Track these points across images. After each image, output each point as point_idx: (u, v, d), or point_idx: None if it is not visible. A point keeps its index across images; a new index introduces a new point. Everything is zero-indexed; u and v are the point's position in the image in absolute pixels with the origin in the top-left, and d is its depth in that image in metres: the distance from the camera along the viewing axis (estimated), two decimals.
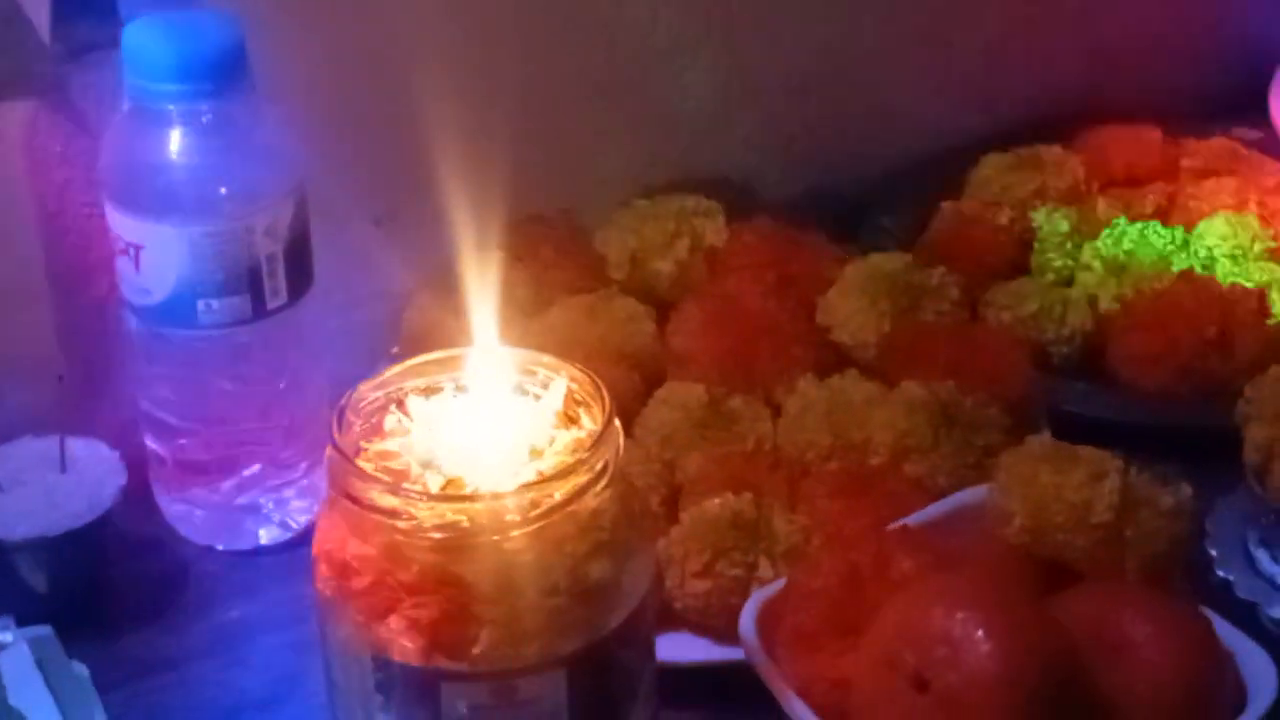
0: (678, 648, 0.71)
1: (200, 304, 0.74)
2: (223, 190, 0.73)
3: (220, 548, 0.79)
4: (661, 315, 0.86)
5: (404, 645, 0.56)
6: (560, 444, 0.58)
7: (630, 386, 0.82)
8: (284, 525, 0.79)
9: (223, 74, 0.72)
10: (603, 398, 0.58)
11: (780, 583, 0.68)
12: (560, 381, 0.60)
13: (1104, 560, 0.66)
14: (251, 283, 0.74)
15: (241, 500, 0.78)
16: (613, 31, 0.92)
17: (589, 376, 0.59)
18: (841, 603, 0.65)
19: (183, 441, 0.77)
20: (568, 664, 0.57)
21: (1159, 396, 0.84)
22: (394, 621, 0.56)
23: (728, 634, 0.69)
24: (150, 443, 0.79)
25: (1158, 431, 0.80)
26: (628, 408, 0.80)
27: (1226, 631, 0.65)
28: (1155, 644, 0.63)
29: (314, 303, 0.77)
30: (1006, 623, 0.60)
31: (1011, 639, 0.59)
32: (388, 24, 0.82)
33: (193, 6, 0.74)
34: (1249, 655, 0.65)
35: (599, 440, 0.57)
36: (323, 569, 0.58)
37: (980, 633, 0.59)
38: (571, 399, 0.59)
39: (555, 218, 0.90)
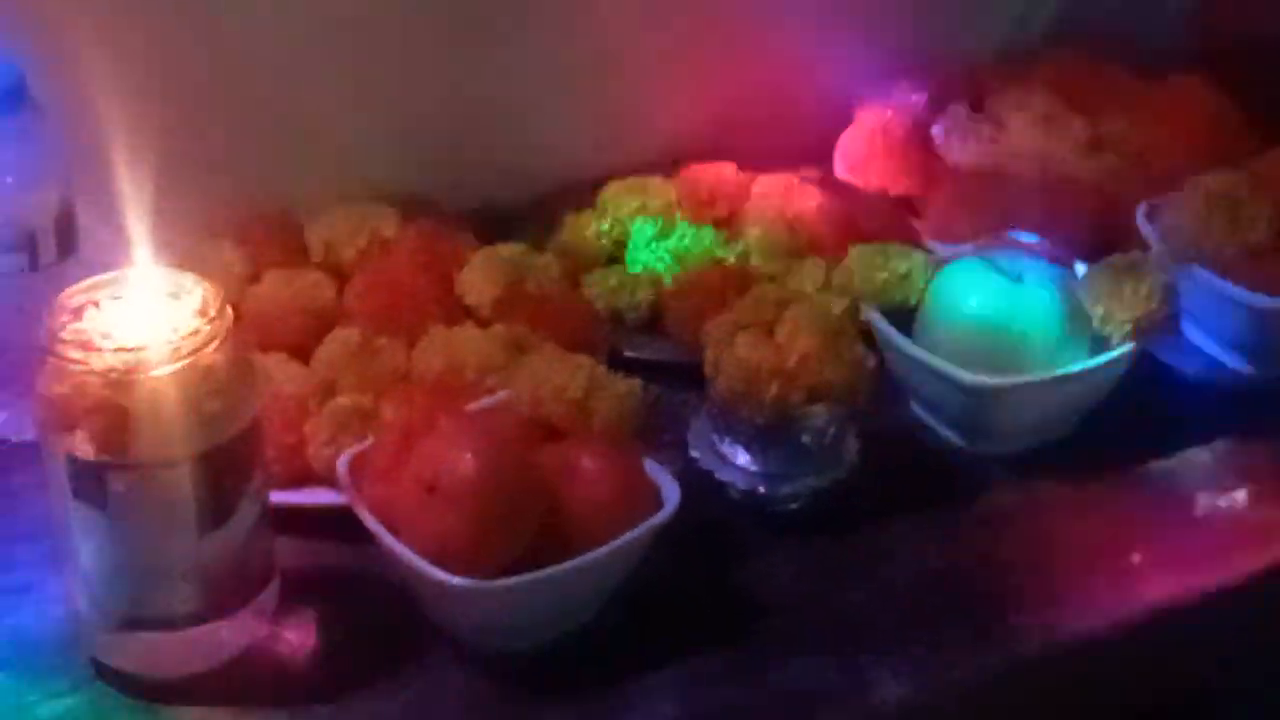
0: (313, 496, 1.04)
1: None
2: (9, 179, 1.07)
3: None
4: (344, 285, 1.20)
5: (85, 447, 0.89)
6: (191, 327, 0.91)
7: (312, 331, 1.15)
8: None
9: (7, 97, 1.05)
10: (221, 303, 0.91)
11: (369, 441, 1.01)
12: (198, 290, 0.93)
13: (575, 423, 1.00)
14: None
15: None
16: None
17: (214, 288, 0.92)
18: (399, 447, 0.97)
19: None
20: (192, 461, 0.89)
21: (691, 345, 1.18)
22: (78, 433, 0.89)
23: None
24: None
25: (688, 367, 1.14)
26: (309, 346, 1.14)
27: (654, 469, 0.99)
28: (598, 470, 0.96)
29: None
30: (484, 446, 0.93)
31: (485, 455, 0.92)
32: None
33: None
34: (669, 485, 0.98)
35: (211, 321, 0.90)
36: (38, 405, 0.91)
37: (467, 452, 0.92)
38: (205, 303, 0.92)
39: (276, 214, 1.24)
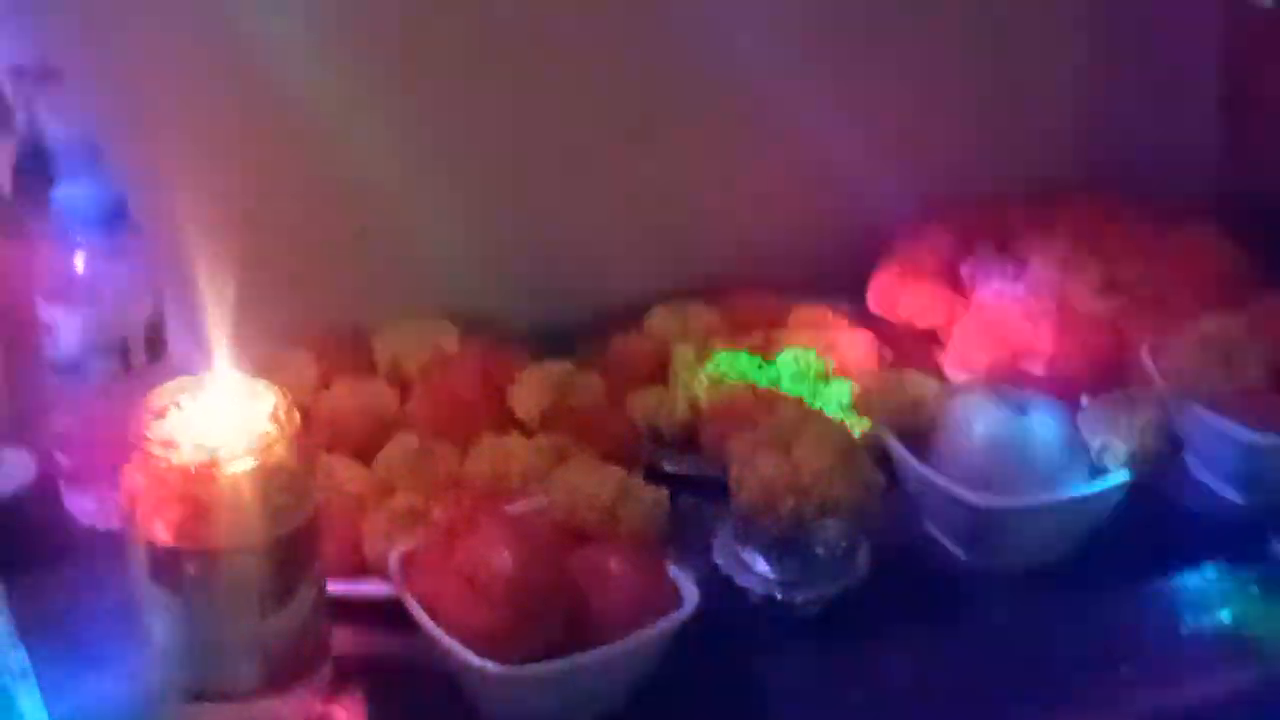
0: (366, 587, 1.14)
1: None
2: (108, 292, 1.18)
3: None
4: (407, 395, 1.31)
5: (164, 535, 0.99)
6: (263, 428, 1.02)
7: (375, 435, 1.26)
8: None
9: (111, 219, 1.17)
10: (290, 407, 1.02)
11: (419, 538, 1.11)
12: (270, 395, 1.04)
13: (604, 528, 1.09)
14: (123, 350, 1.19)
15: None
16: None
17: (284, 393, 1.03)
18: (444, 544, 1.07)
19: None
20: (259, 549, 1.00)
21: (724, 462, 1.27)
22: (158, 522, 0.99)
23: None
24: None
25: (721, 482, 1.23)
26: (371, 449, 1.24)
27: (676, 573, 1.08)
28: (624, 572, 1.05)
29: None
30: (520, 545, 1.03)
31: (521, 554, 1.02)
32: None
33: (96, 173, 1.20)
34: (688, 588, 1.08)
35: (281, 423, 1.00)
36: (124, 496, 1.01)
37: (505, 550, 1.02)
38: (276, 407, 1.03)
39: (347, 328, 1.36)
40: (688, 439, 1.32)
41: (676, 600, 1.06)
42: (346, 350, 1.34)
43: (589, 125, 1.40)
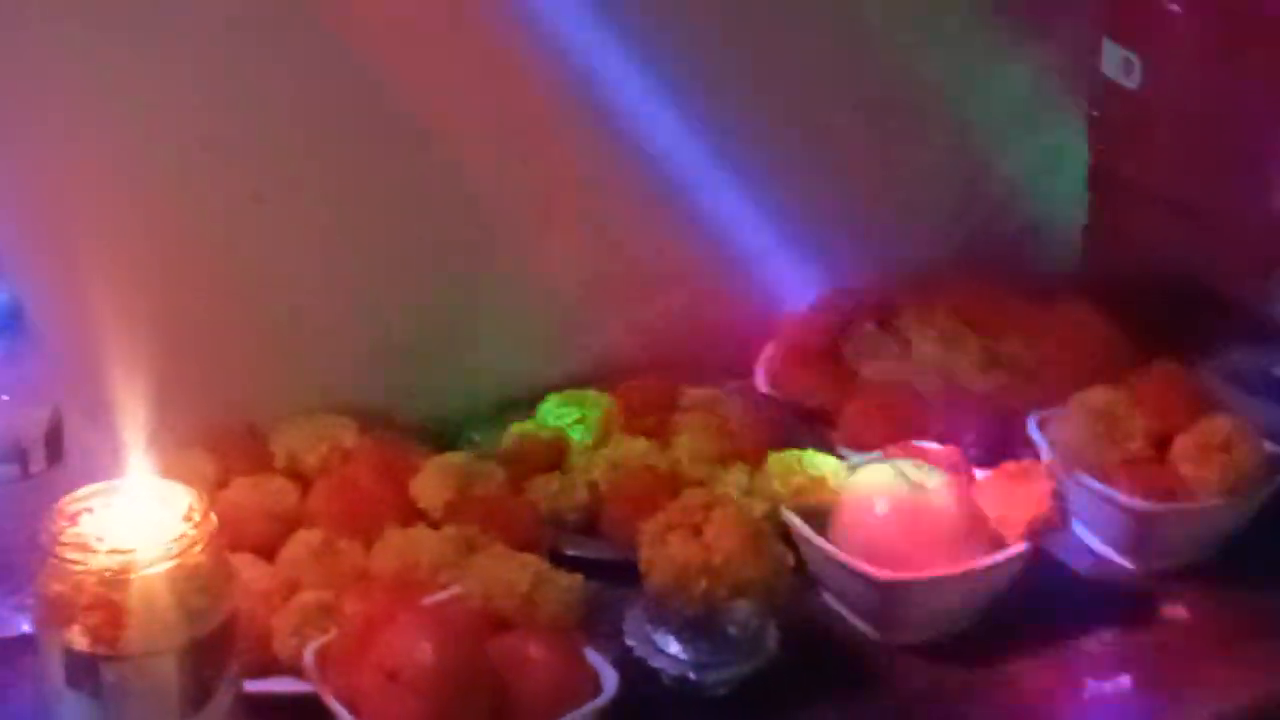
0: (281, 684, 1.13)
1: None
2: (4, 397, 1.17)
3: None
4: (307, 491, 1.31)
5: (80, 640, 0.98)
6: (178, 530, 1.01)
7: (276, 533, 1.25)
8: None
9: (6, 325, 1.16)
10: (204, 509, 1.02)
11: (333, 633, 1.11)
12: (184, 497, 1.03)
13: (523, 615, 1.10)
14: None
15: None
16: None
17: (199, 496, 1.03)
18: (361, 638, 1.07)
19: None
20: (177, 651, 0.99)
21: (626, 544, 1.28)
22: (74, 627, 0.98)
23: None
24: None
25: (623, 565, 1.24)
26: (274, 547, 1.24)
27: (594, 658, 1.09)
28: (544, 658, 1.06)
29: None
30: (440, 636, 1.03)
31: (442, 645, 1.02)
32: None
33: None
34: (607, 672, 1.09)
35: (196, 525, 1.00)
36: (38, 602, 1.00)
37: (425, 642, 1.03)
38: (190, 509, 1.03)
39: (242, 425, 1.35)
40: (588, 524, 1.33)
41: (596, 685, 1.07)
42: (243, 449, 1.33)
43: (483, 214, 1.41)
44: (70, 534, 1.00)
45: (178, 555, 0.99)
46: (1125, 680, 1.21)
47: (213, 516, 1.02)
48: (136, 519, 1.02)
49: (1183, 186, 1.51)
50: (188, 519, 1.01)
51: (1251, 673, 1.22)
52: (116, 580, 0.98)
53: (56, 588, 0.99)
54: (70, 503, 1.02)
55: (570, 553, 1.28)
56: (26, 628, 1.19)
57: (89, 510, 1.02)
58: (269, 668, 1.13)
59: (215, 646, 1.01)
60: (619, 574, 1.22)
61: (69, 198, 1.24)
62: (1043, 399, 1.37)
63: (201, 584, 1.00)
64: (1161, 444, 1.31)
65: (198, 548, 1.00)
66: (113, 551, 0.98)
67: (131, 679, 0.99)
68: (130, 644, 0.98)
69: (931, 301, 1.53)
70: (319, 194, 1.34)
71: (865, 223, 1.59)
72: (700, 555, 1.13)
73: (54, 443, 1.18)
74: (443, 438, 1.39)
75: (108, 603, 0.98)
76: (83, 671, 0.99)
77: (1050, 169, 1.64)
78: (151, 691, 0.99)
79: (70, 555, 0.98)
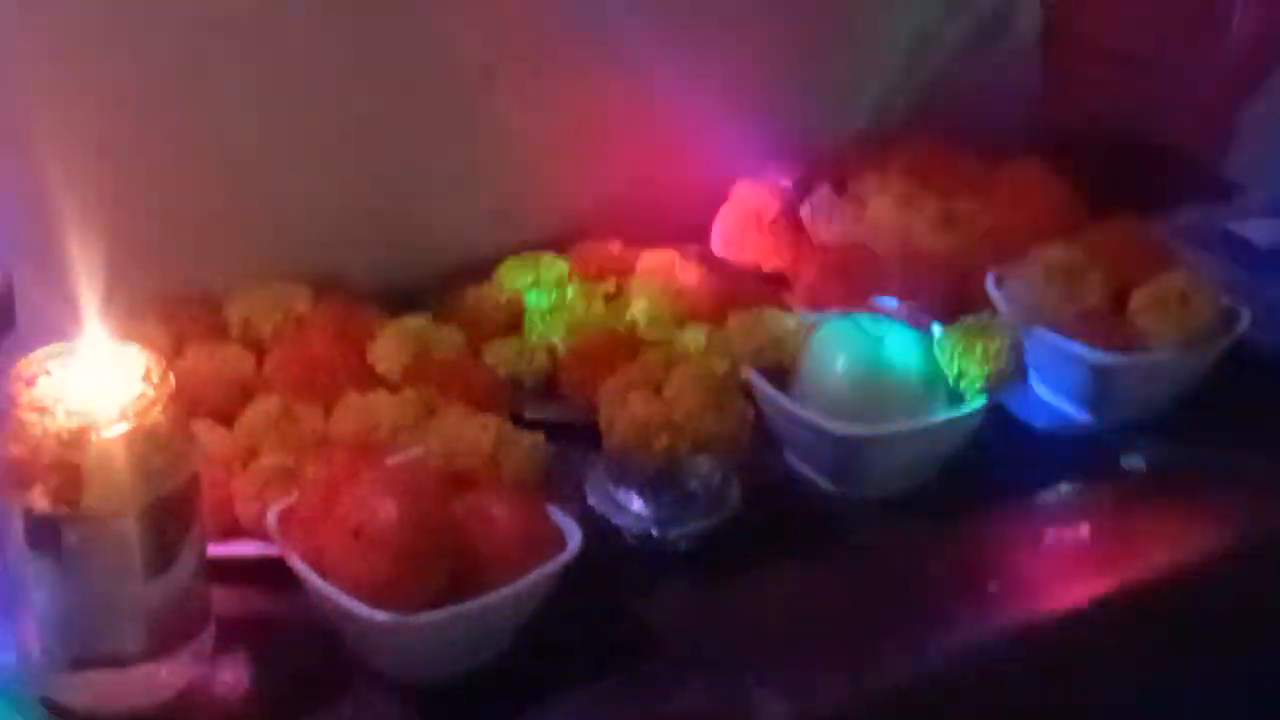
0: (243, 548, 1.13)
1: None
2: None
3: None
4: (263, 358, 1.30)
5: (41, 502, 0.98)
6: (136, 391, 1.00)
7: (234, 400, 1.24)
8: None
9: None
10: (162, 370, 1.01)
11: (295, 496, 1.10)
12: (142, 358, 1.02)
13: (486, 474, 1.10)
14: None
15: None
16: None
17: (156, 358, 1.02)
18: (324, 498, 1.07)
19: None
20: (138, 512, 0.98)
21: (585, 406, 1.28)
22: (35, 489, 0.98)
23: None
24: None
25: (582, 427, 1.24)
26: (231, 414, 1.23)
27: (558, 515, 1.09)
28: (508, 516, 1.06)
29: None
30: (404, 494, 1.03)
31: (406, 502, 1.02)
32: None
33: None
34: (571, 529, 1.09)
35: (155, 386, 0.99)
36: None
37: (389, 498, 1.02)
38: (148, 370, 1.02)
39: (196, 293, 1.34)
40: (547, 387, 1.33)
41: (561, 541, 1.07)
42: (197, 316, 1.31)
43: (432, 78, 1.39)
44: (28, 396, 0.99)
45: (136, 415, 0.98)
46: (1084, 531, 1.22)
47: (170, 377, 1.01)
48: (94, 381, 1.00)
49: (1136, 41, 1.50)
50: (146, 380, 1.00)
51: (1208, 524, 1.24)
52: (76, 441, 0.97)
53: (16, 450, 0.98)
54: (27, 366, 1.01)
55: (530, 416, 1.27)
56: None
57: (46, 373, 1.01)
58: (231, 532, 1.13)
59: (177, 508, 1.00)
60: (579, 437, 1.22)
61: (16, 64, 1.21)
62: (1000, 257, 1.37)
63: (161, 444, 0.99)
64: (1118, 298, 1.32)
65: (157, 408, 0.99)
66: (71, 413, 0.97)
67: (93, 540, 0.98)
68: (91, 505, 0.97)
69: (886, 163, 1.52)
70: (270, 60, 1.32)
71: (818, 85, 1.58)
72: (661, 412, 1.13)
73: (6, 309, 1.17)
74: (399, 304, 1.37)
75: (67, 464, 0.97)
76: (44, 533, 0.98)
77: (1002, 26, 1.63)
78: (114, 552, 0.99)
79: (29, 417, 0.97)
